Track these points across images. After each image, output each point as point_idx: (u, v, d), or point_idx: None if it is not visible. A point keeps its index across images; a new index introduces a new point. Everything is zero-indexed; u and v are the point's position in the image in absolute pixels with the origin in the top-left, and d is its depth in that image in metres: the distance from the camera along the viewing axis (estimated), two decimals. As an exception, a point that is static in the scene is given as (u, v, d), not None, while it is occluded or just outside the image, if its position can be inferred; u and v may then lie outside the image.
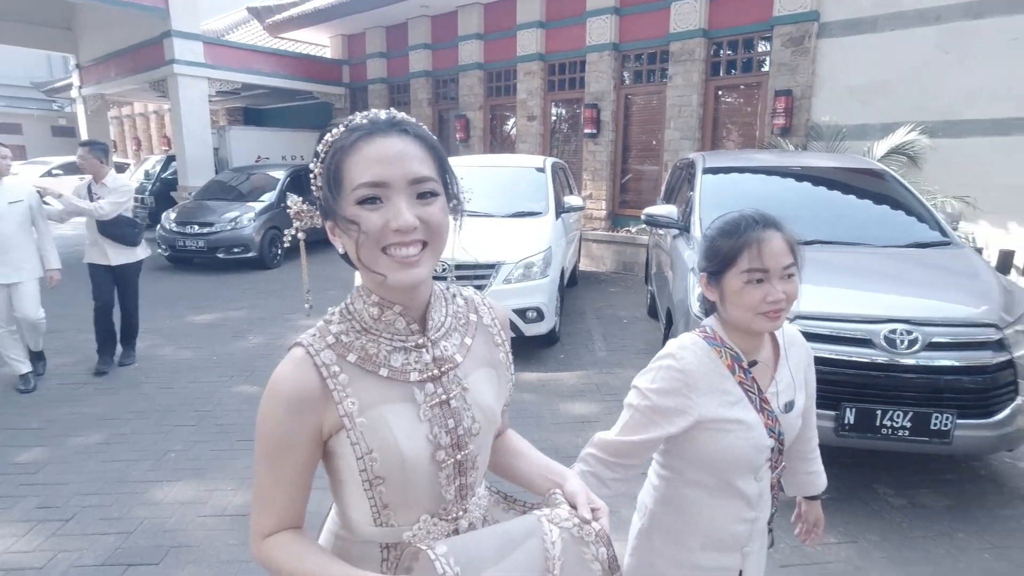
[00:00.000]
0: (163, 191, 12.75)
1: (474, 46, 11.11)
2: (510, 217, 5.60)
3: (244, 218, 8.79)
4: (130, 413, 3.93)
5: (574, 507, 0.89)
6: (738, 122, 8.54)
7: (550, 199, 5.88)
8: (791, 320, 2.78)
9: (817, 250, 3.34)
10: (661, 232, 5.04)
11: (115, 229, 4.53)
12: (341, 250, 0.87)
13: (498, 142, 11.57)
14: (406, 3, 11.11)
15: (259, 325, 5.99)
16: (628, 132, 9.56)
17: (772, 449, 1.22)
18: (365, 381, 0.85)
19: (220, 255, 8.64)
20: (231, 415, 3.90)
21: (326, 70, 14.17)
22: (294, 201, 0.89)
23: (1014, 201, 6.28)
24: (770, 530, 1.35)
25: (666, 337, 4.07)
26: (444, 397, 0.89)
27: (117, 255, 4.62)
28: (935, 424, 2.61)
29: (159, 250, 8.85)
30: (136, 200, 11.40)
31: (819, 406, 2.58)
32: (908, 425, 2.63)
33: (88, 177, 4.60)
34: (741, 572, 1.27)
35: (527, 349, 5.10)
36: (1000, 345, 2.67)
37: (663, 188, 6.46)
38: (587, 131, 9.48)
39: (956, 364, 2.64)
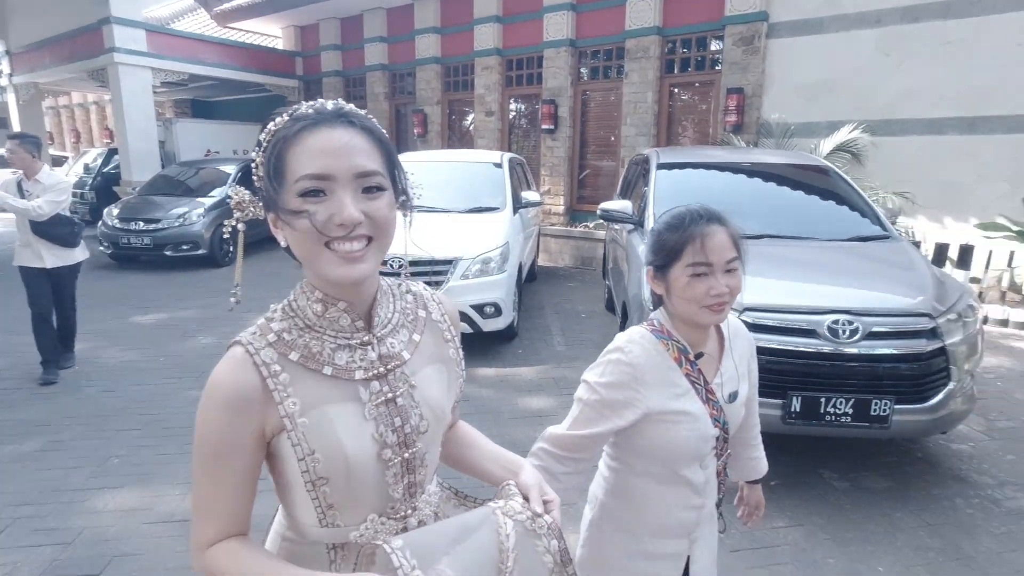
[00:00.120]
0: (105, 186, 12.18)
1: (431, 40, 10.99)
2: (467, 213, 5.57)
3: (193, 214, 8.48)
4: (69, 418, 3.73)
5: (527, 499, 0.89)
6: (692, 119, 8.73)
7: (507, 195, 5.88)
8: (739, 312, 2.85)
9: (765, 244, 3.45)
10: (617, 227, 5.11)
11: (51, 229, 4.25)
12: (283, 243, 0.84)
13: (456, 137, 11.49)
14: (361, -6, 10.95)
15: (210, 325, 5.78)
16: (585, 128, 9.64)
17: (717, 438, 1.25)
18: (308, 380, 0.83)
19: (168, 252, 8.32)
20: (179, 418, 3.76)
21: (278, 62, 13.77)
22: (236, 191, 0.86)
23: (949, 197, 6.64)
24: (720, 515, 1.39)
25: (622, 330, 4.12)
26: (390, 395, 0.87)
27: (53, 257, 4.33)
28: (875, 410, 2.73)
29: (101, 247, 8.45)
30: (75, 195, 10.88)
31: (767, 395, 2.69)
32: (850, 412, 2.74)
33: (19, 172, 4.33)
34: (689, 557, 1.30)
35: (485, 345, 5.10)
36: (934, 333, 2.81)
37: (619, 184, 6.55)
38: (545, 127, 9.52)
39: (894, 352, 2.77)
